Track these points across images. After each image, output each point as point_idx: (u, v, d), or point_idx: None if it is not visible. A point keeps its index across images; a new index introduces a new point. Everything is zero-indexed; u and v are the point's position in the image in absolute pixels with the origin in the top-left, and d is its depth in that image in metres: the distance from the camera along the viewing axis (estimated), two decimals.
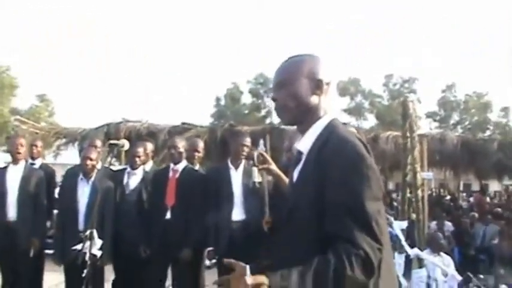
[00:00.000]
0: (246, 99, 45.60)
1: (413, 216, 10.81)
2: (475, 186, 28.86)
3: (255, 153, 4.03)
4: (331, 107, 2.42)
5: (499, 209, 15.87)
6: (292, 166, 2.46)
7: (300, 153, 2.39)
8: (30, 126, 15.70)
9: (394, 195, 20.36)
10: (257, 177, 4.37)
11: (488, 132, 38.70)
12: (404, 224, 9.10)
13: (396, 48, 70.75)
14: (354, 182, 2.07)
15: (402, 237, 8.48)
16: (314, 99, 2.35)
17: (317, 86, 2.36)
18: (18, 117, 30.35)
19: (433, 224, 12.77)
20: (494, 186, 27.21)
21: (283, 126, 14.12)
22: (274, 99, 2.44)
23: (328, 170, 2.12)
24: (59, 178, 8.72)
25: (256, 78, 45.18)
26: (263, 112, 45.05)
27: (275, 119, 41.70)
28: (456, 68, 72.18)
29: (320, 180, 2.13)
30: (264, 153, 4.03)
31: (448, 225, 13.86)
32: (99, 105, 59.26)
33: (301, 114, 2.36)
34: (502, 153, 16.02)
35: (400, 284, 6.73)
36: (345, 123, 2.47)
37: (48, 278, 7.28)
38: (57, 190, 7.41)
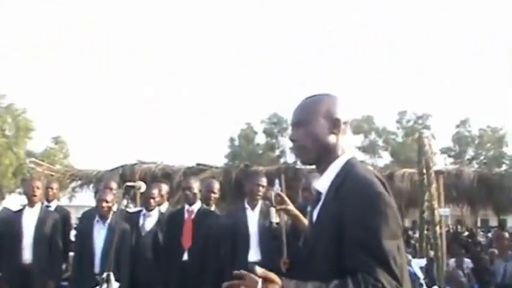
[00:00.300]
0: (260, 139, 45.74)
1: (432, 253, 10.72)
2: (493, 222, 28.61)
3: (273, 194, 4.00)
4: (349, 146, 2.43)
5: None
6: (312, 206, 2.46)
7: (319, 193, 2.38)
8: (45, 169, 15.76)
9: (410, 233, 20.19)
10: (275, 218, 4.33)
11: (504, 167, 38.38)
12: (422, 262, 9.02)
13: (409, 83, 70.85)
14: (371, 220, 2.08)
15: (421, 275, 8.39)
16: (332, 139, 2.36)
17: (334, 125, 2.36)
18: (33, 159, 30.68)
19: (452, 261, 12.59)
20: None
21: (298, 166, 14.11)
22: (292, 140, 2.44)
23: (346, 208, 2.12)
24: (74, 220, 8.73)
25: (270, 118, 45.35)
26: (277, 152, 45.11)
27: (290, 158, 41.76)
28: (470, 102, 72.09)
29: (339, 219, 2.13)
30: (282, 194, 4.01)
31: (467, 262, 13.64)
32: (113, 146, 59.58)
33: (319, 154, 2.37)
34: None
35: None
36: (361, 161, 2.45)
37: None
38: (72, 232, 7.43)
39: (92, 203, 6.95)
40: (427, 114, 45.85)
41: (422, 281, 8.38)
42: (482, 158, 45.33)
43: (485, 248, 16.68)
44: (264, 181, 6.23)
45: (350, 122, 2.47)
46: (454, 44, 69.23)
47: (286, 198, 3.99)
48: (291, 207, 3.97)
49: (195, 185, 6.48)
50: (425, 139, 8.72)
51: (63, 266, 7.20)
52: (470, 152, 46.45)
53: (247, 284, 2.06)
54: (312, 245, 2.30)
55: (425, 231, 10.90)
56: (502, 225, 19.61)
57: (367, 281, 1.99)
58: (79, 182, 16.50)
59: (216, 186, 6.85)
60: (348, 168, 2.29)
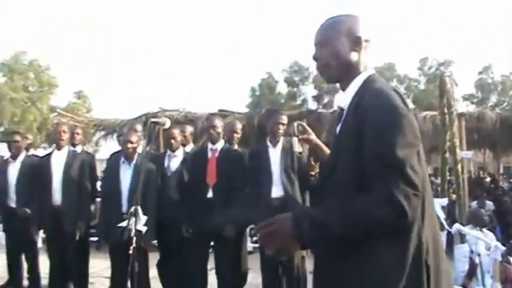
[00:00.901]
0: (281, 88, 45.49)
1: (453, 197, 10.74)
2: None
3: (295, 124, 4.08)
4: (371, 64, 2.47)
5: None
6: (336, 123, 2.51)
7: (341, 109, 2.45)
8: (69, 120, 15.90)
9: (432, 179, 20.12)
10: (298, 148, 4.41)
11: None
12: (444, 202, 9.04)
13: (431, 30, 69.79)
14: (386, 131, 2.11)
15: (442, 215, 8.44)
16: (353, 56, 2.41)
17: (356, 43, 2.41)
18: (56, 114, 30.94)
19: (474, 203, 12.66)
20: None
21: (320, 110, 14.10)
22: (315, 59, 2.49)
23: (365, 121, 2.17)
24: (99, 173, 8.84)
25: (291, 67, 45.02)
26: (299, 100, 44.94)
27: (311, 107, 41.65)
28: (492, 48, 70.94)
29: (358, 133, 2.18)
30: (304, 124, 4.08)
31: (489, 205, 13.71)
32: (136, 97, 59.71)
33: (342, 72, 2.42)
34: None
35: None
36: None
37: (93, 264, 7.46)
38: (98, 183, 7.62)
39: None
40: (449, 60, 45.35)
41: (443, 221, 8.42)
42: (505, 104, 44.89)
43: (507, 192, 16.69)
44: (284, 119, 6.35)
45: (372, 41, 2.50)
46: None
47: (308, 128, 4.07)
48: (313, 136, 4.05)
49: (219, 124, 6.57)
50: (446, 78, 8.66)
51: (92, 208, 7.41)
52: (493, 99, 46.01)
53: (278, 228, 2.18)
54: (334, 159, 2.35)
55: (448, 177, 10.85)
56: None
57: (379, 195, 2.06)
58: (102, 133, 16.74)
59: (239, 126, 6.96)
60: (368, 83, 2.35)
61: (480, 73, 46.03)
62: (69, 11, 67.72)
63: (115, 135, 15.86)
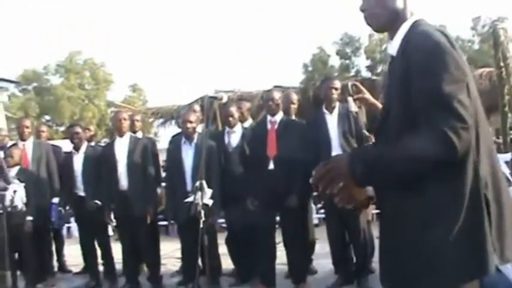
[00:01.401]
0: (334, 61, 45.04)
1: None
2: None
3: (349, 84, 4.09)
4: (417, 9, 2.46)
5: None
6: (388, 70, 2.55)
7: (392, 57, 2.46)
8: (127, 110, 16.18)
9: (494, 139, 19.63)
10: (353, 107, 4.42)
11: None
12: (508, 157, 8.85)
13: None
14: (430, 68, 2.11)
15: (507, 170, 8.26)
16: (399, 3, 2.40)
17: None
18: (113, 108, 31.50)
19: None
20: None
21: (374, 77, 13.94)
22: (363, 9, 2.49)
23: (410, 64, 2.18)
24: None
25: (341, 39, 44.52)
26: (353, 72, 44.36)
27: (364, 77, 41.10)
28: None
29: (406, 77, 2.19)
30: (357, 83, 4.09)
31: None
32: (190, 83, 60.10)
33: (389, 19, 2.42)
34: None
35: None
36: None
37: (163, 247, 7.65)
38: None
39: None
40: (503, 17, 43.82)
41: (509, 175, 8.24)
42: None
43: None
44: (337, 83, 6.38)
45: None
46: None
47: (362, 87, 4.08)
48: (367, 95, 4.06)
49: (278, 96, 6.58)
50: (500, 30, 8.47)
51: (158, 191, 7.58)
52: None
53: (333, 167, 2.18)
54: (388, 107, 2.37)
55: (510, 136, 10.60)
56: None
57: (426, 132, 2.06)
58: (161, 121, 16.96)
59: (295, 97, 7.01)
60: (414, 29, 2.35)
61: None
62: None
63: (173, 122, 16.11)
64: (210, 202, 5.32)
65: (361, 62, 43.56)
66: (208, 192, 5.16)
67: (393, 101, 2.30)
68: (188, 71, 69.66)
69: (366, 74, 41.02)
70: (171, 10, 71.51)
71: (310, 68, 44.05)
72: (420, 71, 2.14)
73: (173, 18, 73.44)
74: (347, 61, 44.45)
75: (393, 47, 2.42)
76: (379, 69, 43.09)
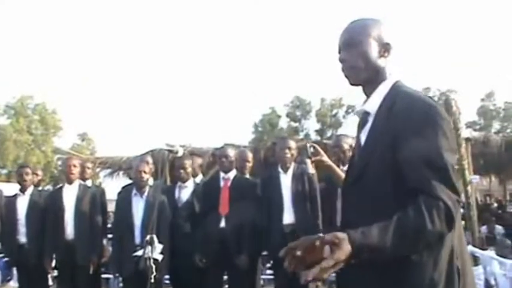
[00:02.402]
0: (284, 123, 45.64)
1: (462, 222, 10.70)
2: None
3: (307, 145, 4.11)
4: (395, 71, 2.46)
5: None
6: (359, 129, 2.47)
7: (366, 114, 2.41)
8: (75, 158, 15.92)
9: None
10: (311, 169, 4.42)
11: None
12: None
13: (432, 59, 70.20)
14: (430, 134, 2.08)
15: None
16: (381, 62, 2.40)
17: (385, 49, 2.41)
18: (60, 155, 31.02)
19: (484, 228, 12.64)
20: None
21: (324, 141, 14.11)
22: (343, 60, 2.45)
23: (402, 124, 2.13)
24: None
25: (292, 102, 45.25)
26: (301, 135, 45.00)
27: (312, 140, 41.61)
28: (495, 75, 71.20)
29: (393, 136, 2.14)
30: (316, 145, 4.12)
31: (499, 229, 13.71)
32: (139, 137, 59.84)
33: (370, 75, 2.40)
34: None
35: None
36: None
37: None
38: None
39: None
40: (451, 89, 45.37)
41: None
42: (508, 131, 44.88)
43: None
44: (291, 143, 6.37)
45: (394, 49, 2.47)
46: (477, 16, 68.52)
47: (320, 150, 4.11)
48: (325, 158, 4.10)
49: (232, 153, 6.58)
50: (452, 101, 8.72)
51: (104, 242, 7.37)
52: (495, 126, 46.05)
53: (304, 245, 1.98)
54: (363, 164, 2.29)
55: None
56: None
57: (429, 204, 1.97)
58: (108, 171, 16.73)
59: (250, 155, 7.00)
60: (398, 88, 2.33)
61: (483, 100, 46.16)
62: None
63: (121, 173, 15.92)
64: (160, 257, 5.21)
65: (310, 125, 44.35)
66: (159, 246, 5.06)
67: (373, 158, 2.23)
68: (138, 123, 69.49)
69: (315, 137, 41.68)
70: (126, 62, 71.74)
71: (260, 128, 44.51)
72: (416, 134, 2.09)
73: (127, 71, 73.55)
74: (296, 124, 45.11)
75: (371, 104, 2.37)
76: (328, 133, 43.80)
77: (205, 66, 71.80)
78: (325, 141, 13.42)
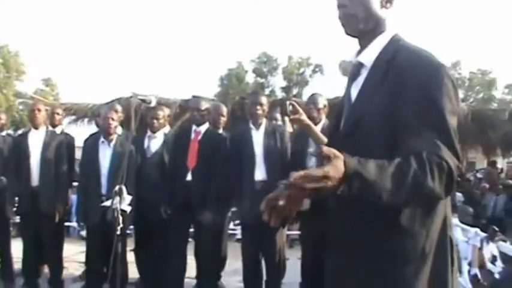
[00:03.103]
0: (250, 78, 45.38)
1: None
2: (480, 165, 28.70)
3: (287, 103, 4.04)
4: (393, 23, 2.32)
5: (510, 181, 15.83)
6: (349, 81, 2.34)
7: (359, 66, 2.26)
8: (39, 102, 15.58)
9: None
10: (289, 127, 4.35)
11: None
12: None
13: (399, 24, 70.25)
14: (435, 94, 1.97)
15: None
16: (383, 13, 2.25)
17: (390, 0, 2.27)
18: (22, 99, 30.38)
19: None
20: (499, 163, 27.00)
21: (293, 99, 14.03)
22: (342, 5, 2.26)
23: (405, 79, 2.01)
24: None
25: (259, 57, 44.94)
26: (267, 91, 44.85)
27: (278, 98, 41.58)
28: (461, 45, 71.71)
29: (393, 91, 2.03)
30: (295, 104, 4.05)
31: (459, 196, 13.93)
32: (106, 83, 59.02)
33: (368, 25, 2.24)
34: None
35: None
36: None
37: (66, 248, 7.27)
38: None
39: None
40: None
41: None
42: (471, 100, 45.42)
43: (475, 184, 16.89)
44: (263, 99, 6.26)
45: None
46: None
47: (299, 108, 4.03)
48: (304, 116, 4.03)
49: (204, 106, 6.45)
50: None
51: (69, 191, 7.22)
52: (460, 94, 46.48)
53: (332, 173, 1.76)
54: (357, 116, 2.15)
55: None
56: (493, 163, 19.66)
57: (431, 159, 1.85)
58: (73, 117, 16.41)
59: (224, 109, 6.95)
60: (397, 42, 2.20)
61: (448, 69, 46.52)
62: None
63: (86, 120, 15.65)
64: (128, 208, 5.12)
65: (276, 82, 44.19)
66: (128, 198, 4.96)
67: (370, 108, 2.09)
68: (104, 72, 68.55)
69: (280, 95, 41.64)
70: (93, 9, 70.37)
71: (226, 82, 44.24)
72: (422, 93, 1.98)
73: (95, 18, 72.21)
74: (262, 80, 44.91)
75: (367, 56, 2.24)
76: (294, 91, 43.78)
77: (174, 16, 71.00)
78: (294, 99, 13.30)
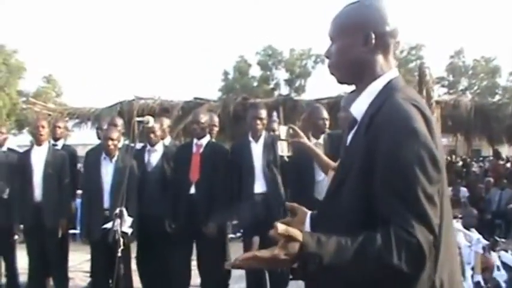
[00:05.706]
0: (255, 71, 45.22)
1: None
2: (485, 152, 28.65)
3: (286, 128, 4.06)
4: (392, 64, 2.08)
5: None
6: (348, 129, 2.14)
7: (354, 120, 2.08)
8: (42, 108, 15.70)
9: None
10: (285, 151, 4.31)
11: (497, 97, 38.14)
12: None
13: (403, 12, 69.89)
14: (405, 163, 1.78)
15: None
16: (365, 55, 2.01)
17: (366, 39, 2.01)
18: (26, 99, 30.39)
19: (448, 190, 12.81)
20: (504, 151, 26.91)
21: (296, 98, 14.10)
22: (327, 56, 2.14)
23: (379, 141, 1.83)
24: None
25: (264, 50, 44.70)
26: (272, 84, 44.71)
27: (284, 91, 41.54)
28: (464, 32, 71.39)
29: (371, 153, 1.84)
30: (295, 127, 4.05)
31: (464, 191, 13.98)
32: (108, 83, 59.12)
33: (352, 72, 2.06)
34: None
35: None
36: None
37: (71, 257, 7.36)
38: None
39: (88, 140, 6.95)
40: (420, 44, 45.27)
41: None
42: (475, 88, 45.20)
43: (479, 177, 16.90)
44: (262, 113, 6.33)
45: (394, 36, 2.07)
46: None
47: (300, 132, 4.02)
48: (305, 139, 3.98)
49: (204, 119, 6.48)
50: (426, 70, 8.71)
51: (72, 204, 7.28)
52: (463, 82, 46.25)
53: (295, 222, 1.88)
54: (343, 177, 1.99)
55: None
56: (497, 154, 19.60)
57: (400, 236, 1.71)
58: (76, 121, 16.51)
59: (216, 119, 7.05)
60: (387, 92, 1.96)
61: (452, 57, 46.16)
62: None
63: (89, 123, 15.74)
64: (129, 231, 5.15)
65: (281, 75, 44.08)
66: (128, 220, 5.00)
67: (349, 174, 1.93)
68: (106, 71, 68.60)
69: (284, 87, 41.60)
70: (98, 9, 70.33)
71: (230, 76, 44.11)
72: (392, 161, 1.79)
73: (96, 18, 72.24)
74: (267, 72, 44.74)
75: (357, 108, 2.05)
76: (297, 83, 43.69)
77: (177, 11, 70.94)
78: (295, 98, 13.38)
